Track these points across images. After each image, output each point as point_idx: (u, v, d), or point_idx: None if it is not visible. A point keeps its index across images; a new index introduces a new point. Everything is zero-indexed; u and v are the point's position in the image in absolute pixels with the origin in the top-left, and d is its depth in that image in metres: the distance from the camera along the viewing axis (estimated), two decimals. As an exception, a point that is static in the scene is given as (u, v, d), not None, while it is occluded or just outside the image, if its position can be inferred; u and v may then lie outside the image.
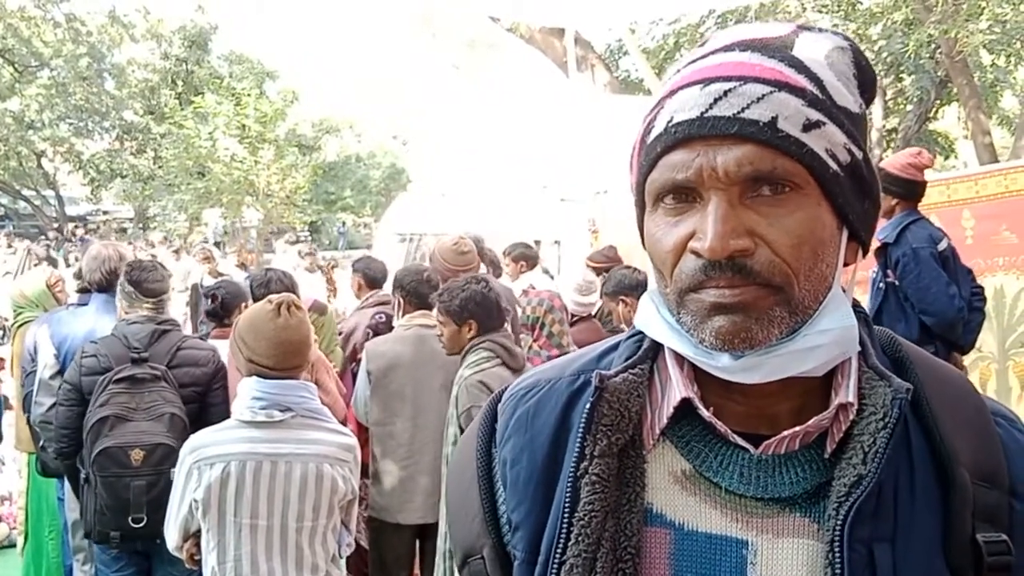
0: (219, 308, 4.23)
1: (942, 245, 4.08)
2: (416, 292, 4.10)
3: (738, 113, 0.78)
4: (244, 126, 25.17)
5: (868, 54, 16.89)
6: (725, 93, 0.79)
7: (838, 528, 0.78)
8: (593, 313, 5.21)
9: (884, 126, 18.93)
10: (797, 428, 0.83)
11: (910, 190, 4.17)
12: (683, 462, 0.87)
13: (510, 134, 9.86)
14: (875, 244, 4.22)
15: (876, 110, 18.69)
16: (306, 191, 28.12)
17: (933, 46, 13.47)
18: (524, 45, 15.68)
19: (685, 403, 0.87)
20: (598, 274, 5.79)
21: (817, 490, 0.83)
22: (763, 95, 0.78)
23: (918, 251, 4.00)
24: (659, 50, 17.80)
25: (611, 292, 4.47)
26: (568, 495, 0.85)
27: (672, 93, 0.83)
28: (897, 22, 14.02)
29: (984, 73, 16.32)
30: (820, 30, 0.87)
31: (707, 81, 0.80)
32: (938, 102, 18.02)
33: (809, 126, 0.79)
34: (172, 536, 2.70)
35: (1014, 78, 17.31)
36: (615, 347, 0.97)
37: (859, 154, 0.83)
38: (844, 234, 0.84)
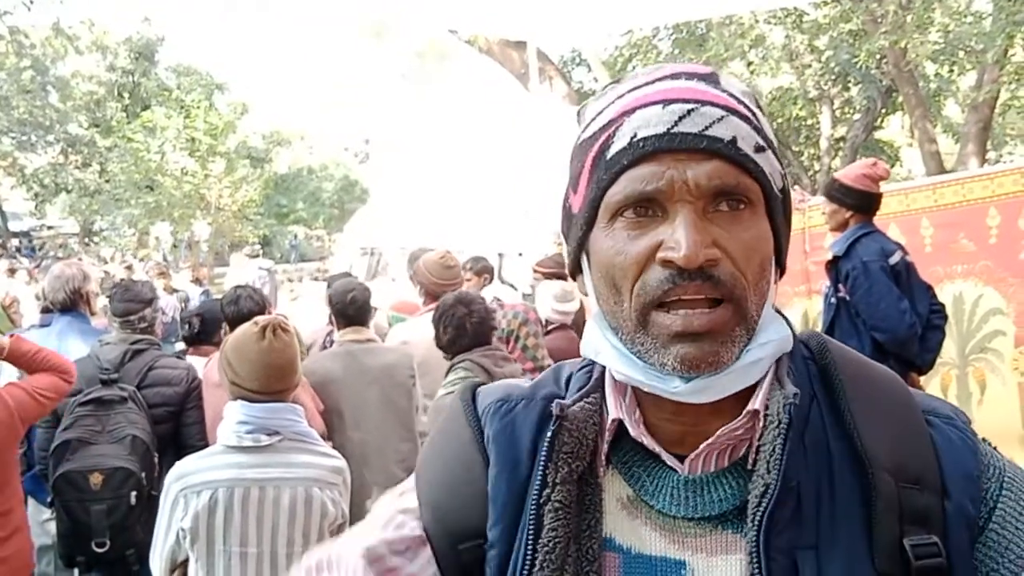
0: (196, 334, 4.16)
1: (894, 259, 3.97)
2: (341, 311, 4.14)
3: (703, 130, 0.81)
4: (193, 139, 24.92)
5: (816, 64, 17.24)
6: (688, 112, 0.82)
7: (753, 540, 0.80)
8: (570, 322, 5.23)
9: (832, 135, 19.32)
10: (711, 439, 0.85)
11: (864, 202, 4.09)
12: (626, 488, 0.90)
13: (469, 146, 9.85)
14: (828, 257, 4.21)
15: (825, 119, 19.07)
16: (258, 204, 27.91)
17: (880, 56, 13.78)
18: (476, 56, 15.71)
19: (623, 427, 0.89)
20: (546, 279, 5.81)
21: (744, 505, 0.84)
22: (721, 117, 0.83)
23: (868, 264, 3.90)
24: (613, 62, 17.96)
25: None
26: (532, 521, 0.87)
27: (629, 112, 0.85)
28: (845, 33, 14.33)
29: (928, 82, 16.72)
30: (730, 74, 0.92)
31: (667, 102, 0.83)
32: (883, 111, 18.43)
33: (759, 149, 0.84)
34: (158, 567, 2.63)
35: (956, 87, 17.76)
36: (569, 378, 0.98)
37: (787, 184, 0.90)
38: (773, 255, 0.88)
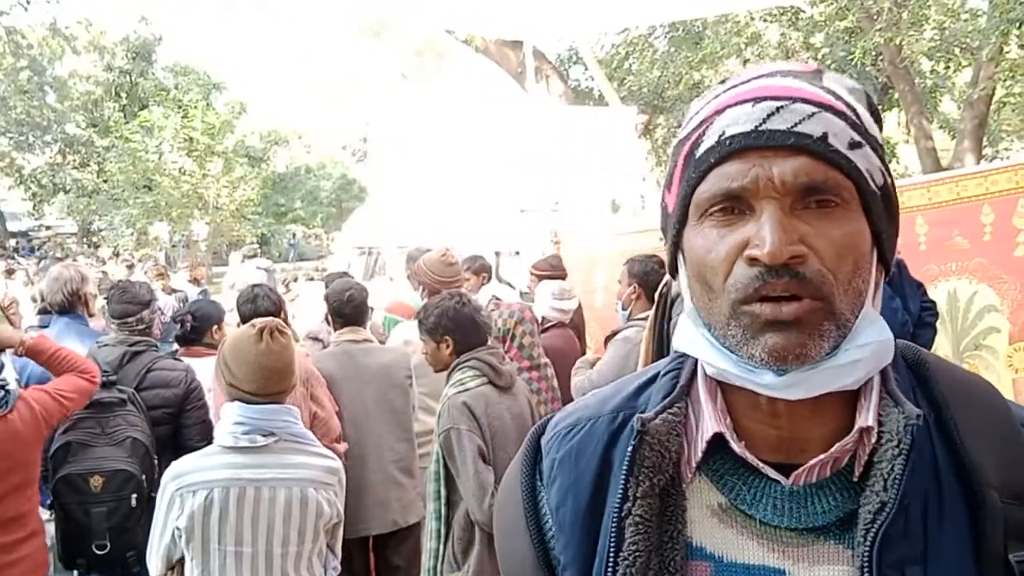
0: (188, 333, 4.17)
1: None
2: (338, 311, 4.18)
3: (792, 127, 0.81)
4: (191, 139, 24.89)
5: (812, 61, 17.32)
6: (778, 109, 0.82)
7: (866, 555, 0.80)
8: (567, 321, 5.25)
9: (829, 131, 19.25)
10: (823, 456, 0.84)
11: None
12: (718, 496, 0.89)
13: (466, 144, 9.87)
14: None
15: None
16: (256, 203, 27.88)
17: (875, 53, 13.79)
18: (474, 55, 15.73)
19: (718, 437, 0.88)
20: (540, 281, 5.82)
21: (848, 517, 0.84)
22: (813, 113, 0.82)
23: None
24: (610, 60, 17.96)
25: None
26: (613, 535, 0.87)
27: (720, 111, 0.86)
28: (840, 30, 14.34)
29: (923, 79, 16.72)
30: (837, 74, 0.91)
31: (757, 100, 0.84)
32: (880, 108, 18.40)
33: (853, 145, 0.83)
34: (155, 565, 2.66)
35: (952, 83, 17.75)
36: (652, 380, 0.98)
37: (888, 180, 0.87)
38: (875, 253, 0.87)
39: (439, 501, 3.19)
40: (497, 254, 8.50)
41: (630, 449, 0.89)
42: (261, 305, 3.93)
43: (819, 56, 16.58)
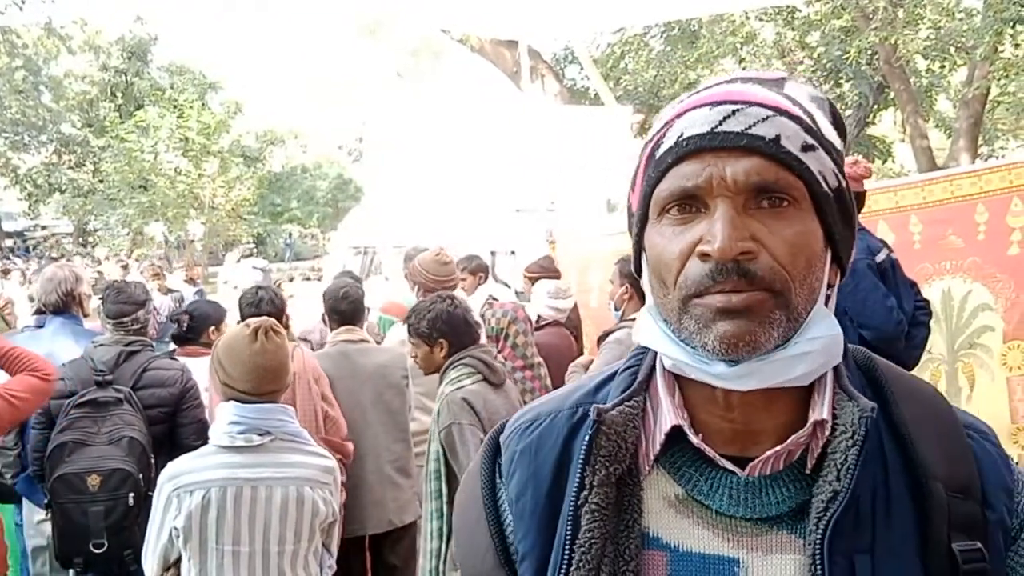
0: (185, 332, 4.18)
1: (880, 256, 3.97)
2: (334, 309, 4.19)
3: (746, 129, 0.84)
4: (187, 138, 24.89)
5: (808, 61, 17.28)
6: (733, 112, 0.85)
7: (818, 543, 0.83)
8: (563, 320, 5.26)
9: (825, 131, 19.26)
10: (779, 447, 0.87)
11: None
12: (676, 487, 0.92)
13: (462, 144, 9.87)
14: None
15: (817, 115, 19.04)
16: (252, 203, 27.88)
17: (871, 52, 13.83)
18: (470, 54, 15.75)
19: (676, 430, 0.91)
20: (532, 283, 5.84)
21: (801, 507, 0.87)
22: (767, 117, 0.85)
23: (855, 262, 3.81)
24: (606, 59, 17.99)
25: None
26: (569, 524, 0.90)
27: (680, 115, 0.89)
28: (836, 29, 14.37)
29: (919, 78, 16.76)
30: (801, 82, 0.95)
31: (715, 103, 0.87)
32: (875, 107, 18.47)
33: (806, 148, 0.86)
34: (151, 565, 2.66)
35: (948, 82, 17.79)
36: (611, 378, 1.01)
37: (843, 183, 0.90)
38: (829, 254, 0.90)
39: (440, 499, 3.17)
40: (493, 254, 8.50)
41: (587, 439, 0.91)
42: (264, 309, 3.92)
43: (815, 55, 16.63)
